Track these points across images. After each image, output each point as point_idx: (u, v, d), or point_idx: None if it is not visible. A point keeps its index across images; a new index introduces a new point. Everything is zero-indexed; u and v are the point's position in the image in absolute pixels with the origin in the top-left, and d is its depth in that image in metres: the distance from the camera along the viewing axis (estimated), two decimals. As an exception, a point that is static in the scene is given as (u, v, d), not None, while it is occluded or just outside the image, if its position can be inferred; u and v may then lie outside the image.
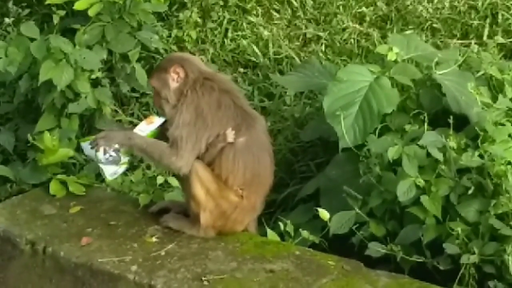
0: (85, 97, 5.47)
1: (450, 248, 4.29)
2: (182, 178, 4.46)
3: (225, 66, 6.40)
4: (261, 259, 4.25)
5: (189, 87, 4.38)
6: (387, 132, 4.90)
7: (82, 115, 5.59)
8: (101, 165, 4.49)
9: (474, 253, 4.23)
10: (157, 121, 4.51)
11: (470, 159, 4.47)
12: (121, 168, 4.51)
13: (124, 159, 4.48)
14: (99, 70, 5.55)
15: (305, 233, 4.56)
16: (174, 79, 4.42)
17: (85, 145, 4.54)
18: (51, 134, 5.08)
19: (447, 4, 6.41)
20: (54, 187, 4.95)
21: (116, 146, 4.43)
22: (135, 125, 5.88)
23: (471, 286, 4.23)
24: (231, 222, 4.43)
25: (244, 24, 6.57)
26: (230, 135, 4.36)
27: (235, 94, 4.47)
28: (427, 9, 6.39)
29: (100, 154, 4.44)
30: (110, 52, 5.86)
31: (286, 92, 6.05)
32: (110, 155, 4.44)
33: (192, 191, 4.35)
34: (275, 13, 6.63)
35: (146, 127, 4.50)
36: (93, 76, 5.50)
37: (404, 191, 4.49)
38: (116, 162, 4.46)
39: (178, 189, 4.78)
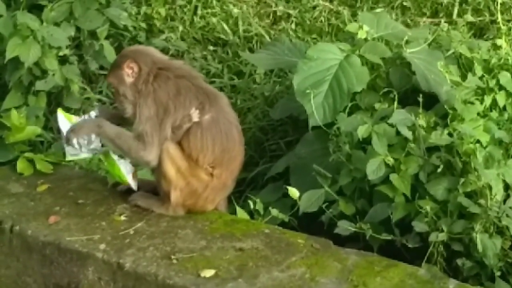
0: (53, 75, 5.42)
1: (419, 226, 4.30)
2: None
3: (194, 44, 6.37)
4: (230, 238, 4.24)
5: (143, 80, 4.35)
6: (356, 110, 4.91)
7: (49, 92, 5.54)
8: (65, 145, 4.46)
9: (442, 231, 4.25)
10: (133, 183, 4.49)
11: (439, 137, 4.48)
12: (84, 154, 4.48)
13: (89, 151, 4.45)
14: (66, 47, 5.50)
15: (274, 212, 4.56)
16: (128, 74, 4.38)
17: (60, 117, 4.50)
18: (18, 112, 5.02)
19: (417, -18, 6.42)
20: (21, 165, 4.90)
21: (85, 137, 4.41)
22: (104, 103, 5.91)
23: (439, 264, 4.26)
24: (202, 200, 4.41)
25: (214, 1, 6.54)
26: (195, 114, 4.34)
27: (192, 76, 4.45)
28: (397, -13, 6.39)
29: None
30: (78, 29, 5.80)
31: (256, 70, 6.03)
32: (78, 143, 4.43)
33: (163, 169, 4.33)
34: (245, -9, 6.60)
35: (127, 171, 4.47)
36: (61, 53, 5.45)
37: (373, 169, 4.49)
38: (81, 148, 4.45)
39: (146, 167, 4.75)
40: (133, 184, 4.49)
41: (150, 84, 4.33)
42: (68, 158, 4.50)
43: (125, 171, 4.43)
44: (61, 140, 4.55)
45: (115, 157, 4.44)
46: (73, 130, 4.42)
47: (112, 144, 4.40)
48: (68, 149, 4.45)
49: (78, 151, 4.44)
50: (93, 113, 4.55)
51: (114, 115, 4.62)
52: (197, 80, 4.44)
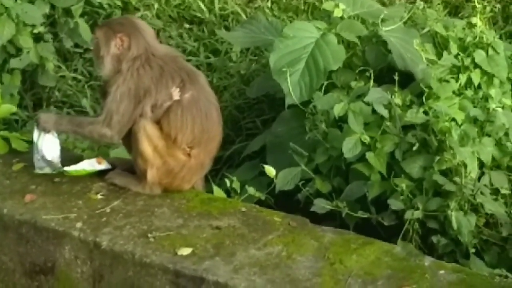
0: (27, 52, 5.38)
1: (395, 204, 4.33)
2: (127, 136, 4.43)
3: (170, 22, 6.34)
4: (207, 216, 4.24)
5: (128, 62, 4.32)
6: (333, 88, 4.92)
7: (24, 70, 5.50)
8: (35, 156, 4.49)
9: (418, 209, 4.28)
10: (104, 165, 4.50)
11: (415, 115, 4.51)
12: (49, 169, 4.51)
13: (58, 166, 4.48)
14: (41, 25, 5.46)
15: (251, 190, 4.56)
16: (116, 44, 4.35)
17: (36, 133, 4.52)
18: (-8, 90, 4.99)
19: (393, -40, 6.42)
20: (-4, 144, 4.87)
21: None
22: (79, 81, 5.88)
23: (414, 241, 4.29)
24: (178, 180, 4.40)
25: (190, -21, 6.50)
26: (176, 93, 4.32)
27: (175, 60, 4.42)
28: (373, -35, 6.38)
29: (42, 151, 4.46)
30: (52, 7, 5.76)
31: (232, 49, 6.02)
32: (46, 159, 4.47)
33: (140, 148, 4.31)
34: (220, -32, 6.57)
35: (91, 164, 4.50)
36: (35, 31, 5.41)
37: (349, 147, 4.51)
38: (49, 165, 4.48)
39: (123, 146, 4.74)
40: (104, 166, 4.50)
41: (136, 69, 4.30)
42: (36, 171, 4.52)
43: (89, 167, 4.46)
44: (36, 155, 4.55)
45: (71, 168, 4.45)
46: (41, 120, 4.44)
47: (74, 134, 4.48)
48: (36, 163, 4.50)
49: (45, 165, 4.48)
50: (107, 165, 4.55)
51: None
52: (179, 60, 4.42)
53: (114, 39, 4.34)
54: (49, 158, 4.45)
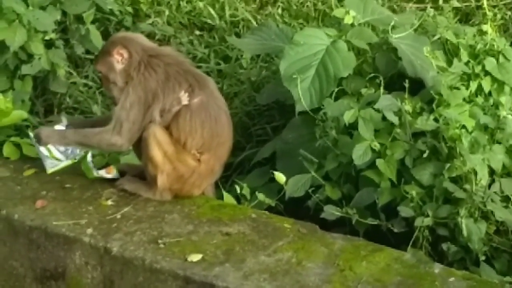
0: (39, 59, 5.38)
1: (405, 211, 4.32)
2: (138, 142, 4.44)
3: (181, 29, 6.36)
4: (217, 222, 4.25)
5: (135, 68, 4.36)
6: (343, 95, 4.92)
7: (35, 76, 5.51)
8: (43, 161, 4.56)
9: (428, 216, 4.27)
10: (113, 174, 4.57)
11: (425, 122, 4.50)
12: (63, 163, 4.54)
13: (68, 157, 4.54)
14: (52, 31, 5.46)
15: (261, 196, 4.56)
16: (118, 61, 4.39)
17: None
18: (4, 96, 5.00)
19: (403, -33, 6.43)
20: (7, 150, 4.88)
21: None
22: (90, 87, 5.90)
23: (424, 248, 4.28)
24: (188, 185, 4.42)
25: (200, -15, 6.52)
26: (184, 97, 4.34)
27: (180, 62, 4.46)
28: (384, -27, 6.40)
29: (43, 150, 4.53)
30: (64, 13, 5.76)
31: (242, 55, 6.03)
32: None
33: (150, 153, 4.33)
34: (231, -25, 6.58)
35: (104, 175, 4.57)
36: (47, 37, 5.42)
37: (359, 154, 4.51)
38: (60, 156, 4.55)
39: (133, 152, 4.75)
40: (113, 175, 4.54)
41: (141, 73, 4.34)
42: (49, 171, 4.57)
43: (97, 173, 4.52)
44: (40, 158, 4.60)
45: (89, 158, 4.50)
46: (41, 135, 4.47)
47: (82, 147, 4.49)
48: (46, 164, 4.54)
49: (57, 162, 4.53)
50: (62, 125, 4.59)
51: (83, 123, 4.70)
52: (185, 64, 4.45)
53: (114, 57, 4.38)
54: (62, 158, 4.49)
